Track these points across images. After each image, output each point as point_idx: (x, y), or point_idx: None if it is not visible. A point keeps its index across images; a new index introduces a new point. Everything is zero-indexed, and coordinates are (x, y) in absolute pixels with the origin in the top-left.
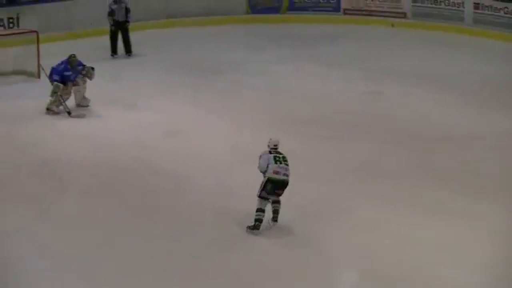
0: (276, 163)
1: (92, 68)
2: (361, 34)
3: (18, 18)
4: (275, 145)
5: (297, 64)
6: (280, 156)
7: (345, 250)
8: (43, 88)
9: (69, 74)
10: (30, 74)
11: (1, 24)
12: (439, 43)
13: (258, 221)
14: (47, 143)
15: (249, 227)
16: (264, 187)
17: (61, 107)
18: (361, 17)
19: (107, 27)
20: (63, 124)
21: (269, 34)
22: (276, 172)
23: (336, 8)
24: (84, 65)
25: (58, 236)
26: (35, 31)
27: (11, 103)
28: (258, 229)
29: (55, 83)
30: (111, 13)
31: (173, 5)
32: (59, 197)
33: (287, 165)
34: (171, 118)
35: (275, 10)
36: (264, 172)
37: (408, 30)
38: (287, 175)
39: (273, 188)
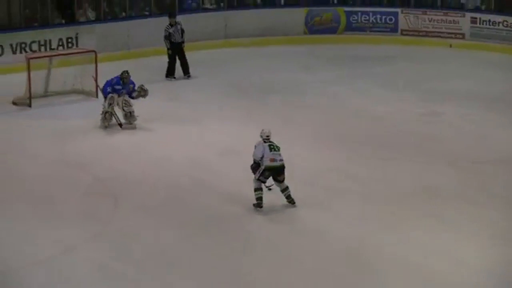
0: (271, 151)
1: (142, 87)
2: (419, 55)
3: (77, 38)
4: (267, 136)
5: (355, 84)
6: (274, 144)
7: (408, 272)
8: (101, 107)
9: (119, 89)
10: (88, 93)
11: (60, 44)
12: (497, 64)
13: (260, 199)
14: (103, 161)
15: (254, 205)
16: (262, 174)
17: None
18: (419, 38)
19: (163, 47)
20: (119, 141)
21: (326, 54)
22: (273, 160)
23: (394, 29)
24: (134, 84)
25: (114, 254)
26: (93, 51)
27: (69, 121)
28: (261, 206)
29: (110, 95)
30: (168, 36)
31: (231, 25)
32: (114, 215)
33: (279, 151)
34: (227, 137)
35: (333, 30)
36: (258, 161)
37: (466, 51)
38: (282, 160)
39: (271, 174)
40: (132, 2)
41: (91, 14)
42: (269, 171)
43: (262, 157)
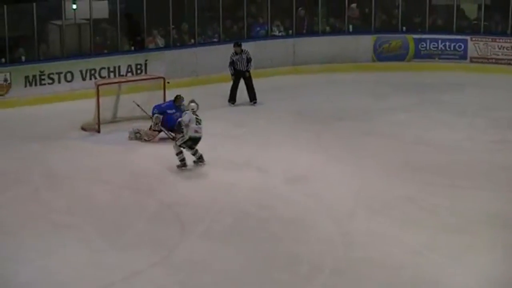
0: (196, 124)
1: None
2: (488, 82)
3: (146, 64)
4: (193, 109)
5: (423, 112)
6: (199, 118)
7: None
8: (164, 134)
9: (172, 112)
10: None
11: (129, 70)
12: None
13: (183, 160)
14: (170, 187)
15: (179, 166)
16: (185, 142)
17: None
18: (489, 65)
19: (229, 74)
20: (187, 168)
21: (394, 81)
22: (196, 131)
23: (463, 56)
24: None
25: (179, 280)
26: (162, 77)
27: (137, 147)
28: (186, 166)
29: (156, 115)
30: (232, 63)
31: (299, 52)
32: (180, 241)
33: (201, 125)
34: (294, 164)
35: (401, 57)
36: (184, 125)
37: None
38: (201, 133)
39: (192, 143)
40: (200, 29)
41: (160, 41)
42: (191, 141)
43: (188, 124)
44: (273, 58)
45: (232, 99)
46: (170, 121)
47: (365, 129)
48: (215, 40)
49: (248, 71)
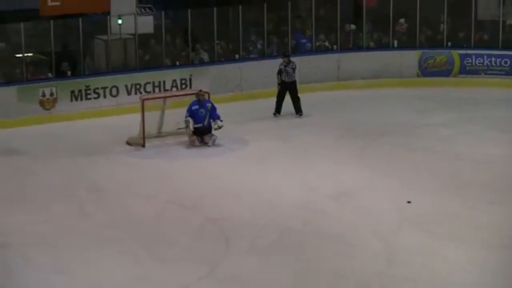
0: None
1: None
2: None
3: (190, 79)
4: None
5: (468, 128)
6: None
7: None
8: (215, 149)
9: (196, 108)
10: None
11: (174, 85)
12: None
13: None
14: (214, 202)
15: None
16: None
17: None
18: None
19: (275, 89)
20: (231, 182)
21: (439, 97)
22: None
23: (509, 72)
24: (213, 104)
25: None
26: (206, 92)
27: (182, 162)
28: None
29: (186, 118)
30: (279, 72)
31: (344, 67)
32: (225, 256)
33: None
34: (338, 179)
35: (447, 73)
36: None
37: None
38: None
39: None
40: (245, 44)
41: (205, 56)
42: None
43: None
44: (317, 73)
45: (277, 110)
46: (196, 117)
47: (410, 144)
48: (257, 55)
49: (295, 81)
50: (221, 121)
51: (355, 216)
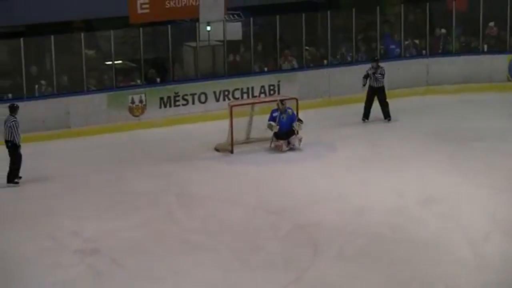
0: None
1: (300, 121)
2: None
3: (279, 85)
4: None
5: None
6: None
7: None
8: (303, 155)
9: (275, 115)
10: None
11: (262, 91)
12: None
13: None
14: (302, 208)
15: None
16: None
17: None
18: None
19: (362, 94)
20: (318, 188)
21: None
22: None
23: None
24: (292, 109)
25: None
26: (294, 98)
27: (270, 167)
28: None
29: (269, 122)
30: (366, 76)
31: (433, 72)
32: (313, 262)
33: None
34: (427, 185)
35: None
36: None
37: None
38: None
39: None
40: (334, 49)
41: (293, 62)
42: None
43: None
44: (406, 78)
45: (365, 116)
46: (280, 123)
47: (501, 150)
48: (348, 59)
49: (383, 86)
50: (300, 120)
51: (444, 222)
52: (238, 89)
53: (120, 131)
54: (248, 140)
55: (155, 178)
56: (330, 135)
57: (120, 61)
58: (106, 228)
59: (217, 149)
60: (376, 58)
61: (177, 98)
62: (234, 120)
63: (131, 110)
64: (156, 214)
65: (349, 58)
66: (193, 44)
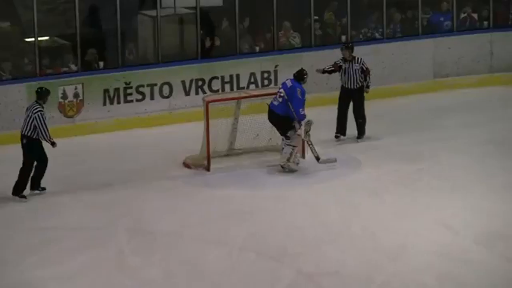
0: None
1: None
2: None
3: (276, 71)
4: None
5: None
6: None
7: None
8: (313, 175)
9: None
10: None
11: (252, 80)
12: None
13: None
14: (310, 249)
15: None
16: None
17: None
18: None
19: (393, 84)
20: (336, 222)
21: None
22: None
23: None
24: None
25: None
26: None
27: (263, 193)
28: None
29: (306, 119)
30: (335, 69)
31: (499, 53)
32: None
33: None
34: (489, 217)
35: None
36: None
37: None
38: None
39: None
40: (355, 20)
41: (296, 40)
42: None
43: None
44: (459, 62)
45: (340, 130)
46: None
47: None
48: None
49: (368, 87)
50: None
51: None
52: (216, 77)
53: None
54: (231, 151)
55: (97, 206)
56: (352, 145)
57: (46, 38)
58: (27, 278)
59: (187, 165)
60: (349, 44)
61: (128, 91)
62: (211, 122)
63: (62, 108)
64: (99, 259)
65: (377, 34)
66: (152, 13)
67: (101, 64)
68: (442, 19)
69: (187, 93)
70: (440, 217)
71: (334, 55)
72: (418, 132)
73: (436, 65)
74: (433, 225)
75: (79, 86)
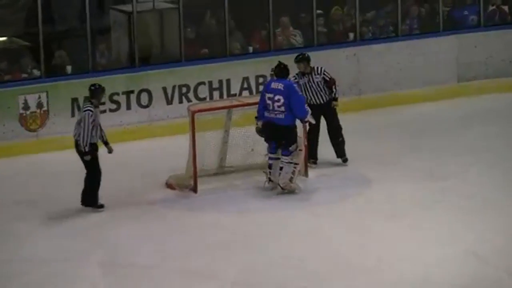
0: None
1: None
2: None
3: (272, 77)
4: None
5: None
6: None
7: None
8: (319, 194)
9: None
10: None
11: (245, 86)
12: None
13: None
14: (316, 284)
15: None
16: None
17: None
18: None
19: (411, 89)
20: (344, 252)
21: None
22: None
23: None
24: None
25: None
26: None
27: (260, 218)
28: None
29: (310, 112)
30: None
31: None
32: None
33: None
34: None
35: None
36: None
37: None
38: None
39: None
40: (365, 15)
41: (297, 38)
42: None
43: None
44: (488, 63)
45: (312, 155)
46: None
47: None
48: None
49: (335, 99)
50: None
51: None
52: (203, 83)
53: (5, 156)
54: (221, 170)
55: (65, 235)
56: (363, 160)
57: (3, 38)
58: None
59: (170, 185)
60: (304, 55)
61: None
62: (198, 135)
63: (23, 121)
64: None
65: (391, 30)
66: (127, 8)
67: (69, 68)
68: (466, 12)
69: (169, 102)
70: (467, 244)
71: (340, 55)
72: (440, 144)
73: (461, 66)
74: (460, 254)
75: (43, 95)
